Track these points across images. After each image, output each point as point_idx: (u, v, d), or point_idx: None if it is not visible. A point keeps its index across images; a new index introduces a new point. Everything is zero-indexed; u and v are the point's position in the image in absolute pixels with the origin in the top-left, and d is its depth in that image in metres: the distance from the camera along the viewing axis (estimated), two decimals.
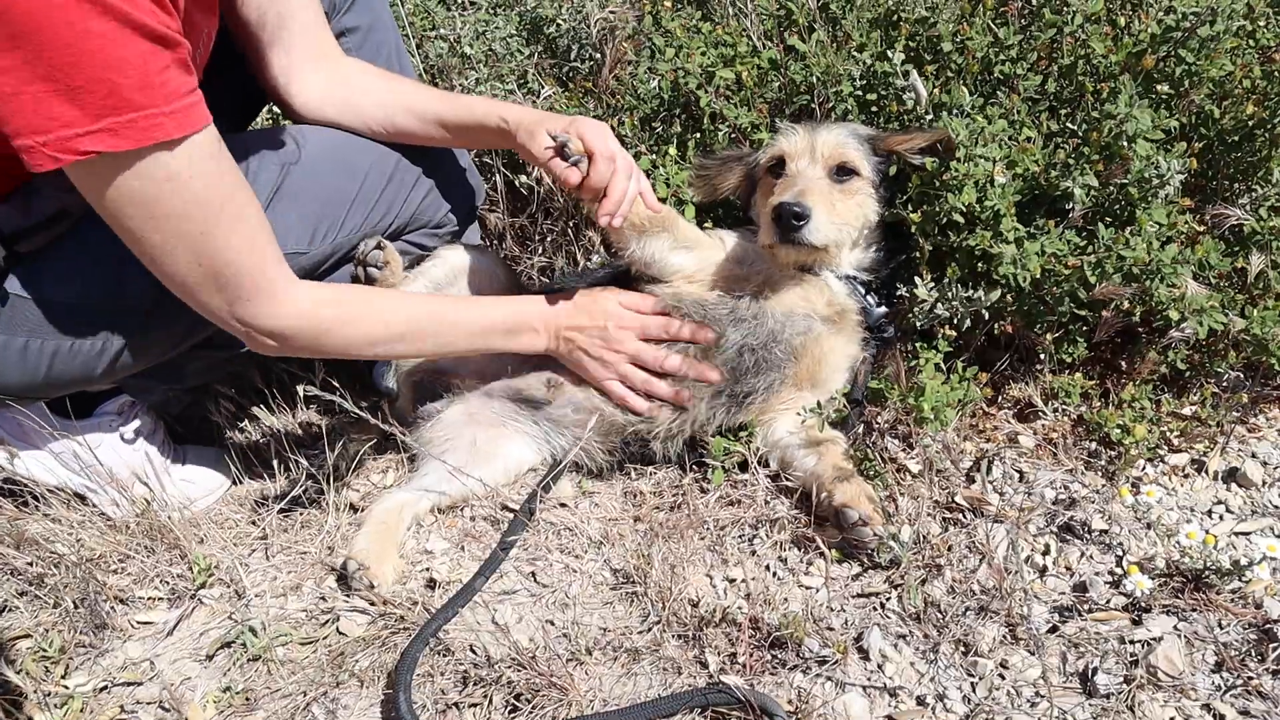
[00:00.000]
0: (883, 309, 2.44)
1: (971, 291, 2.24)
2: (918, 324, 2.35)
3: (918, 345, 2.33)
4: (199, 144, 1.76)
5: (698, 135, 2.75)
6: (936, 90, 2.40)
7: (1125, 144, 2.19)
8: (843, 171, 2.37)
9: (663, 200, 2.62)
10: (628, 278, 2.54)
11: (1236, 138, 2.36)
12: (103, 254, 2.08)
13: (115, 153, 1.66)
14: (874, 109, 2.57)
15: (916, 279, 2.32)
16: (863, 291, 2.43)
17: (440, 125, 2.44)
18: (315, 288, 2.11)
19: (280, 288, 1.99)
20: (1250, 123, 2.32)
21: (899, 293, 2.44)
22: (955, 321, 2.30)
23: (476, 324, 2.31)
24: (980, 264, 2.26)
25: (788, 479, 2.34)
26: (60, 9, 1.52)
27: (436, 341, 2.28)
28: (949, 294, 2.26)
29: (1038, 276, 2.19)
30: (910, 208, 2.35)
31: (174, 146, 1.71)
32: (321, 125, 2.44)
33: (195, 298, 1.95)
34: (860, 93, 2.57)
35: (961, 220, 2.23)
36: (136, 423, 2.45)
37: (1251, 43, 2.38)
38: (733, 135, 2.71)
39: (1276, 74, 2.27)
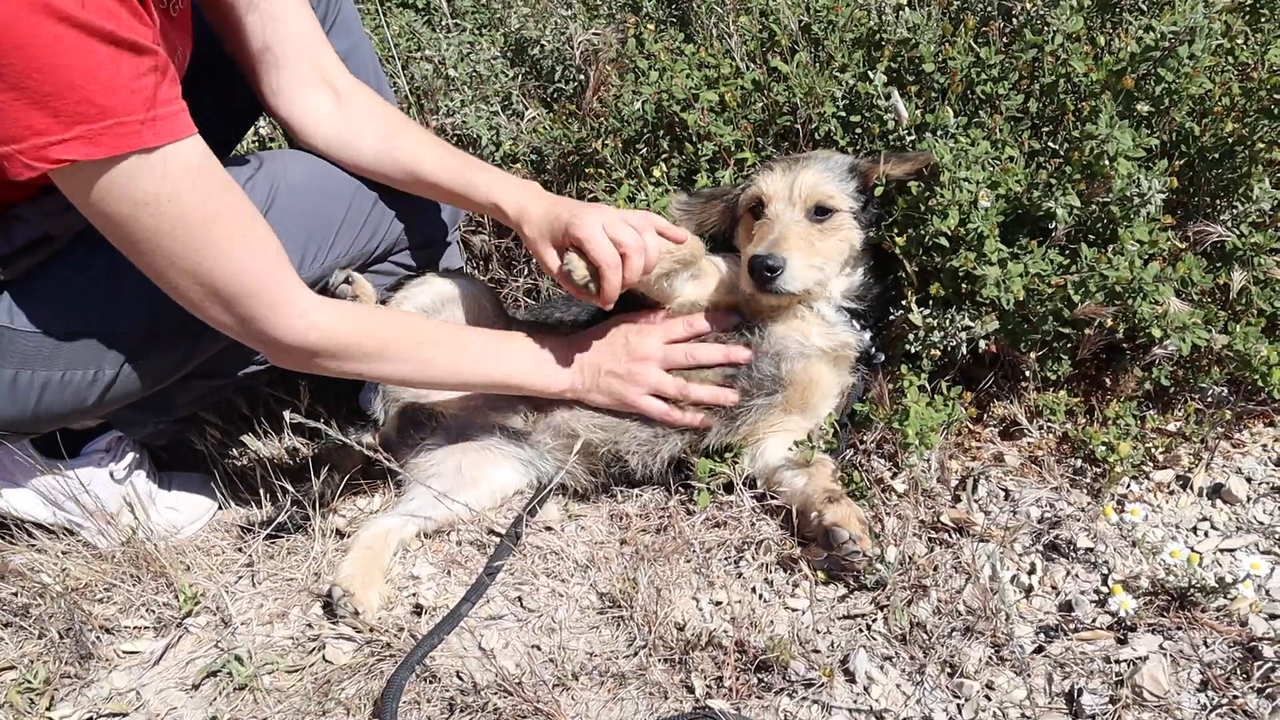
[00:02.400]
0: (868, 334, 2.44)
1: (968, 320, 2.25)
2: (911, 349, 2.35)
3: (901, 367, 2.33)
4: (181, 154, 1.72)
5: (681, 158, 2.75)
6: (919, 111, 2.41)
7: (1107, 163, 2.20)
8: (821, 211, 2.37)
9: None
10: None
11: (1217, 155, 2.37)
12: (92, 281, 2.08)
13: (91, 161, 1.64)
14: (857, 130, 2.58)
15: (912, 305, 2.32)
16: (848, 317, 2.44)
17: (434, 189, 2.45)
18: (335, 303, 2.09)
19: (291, 300, 1.95)
20: (1230, 140, 2.33)
21: (890, 316, 2.44)
22: (949, 349, 2.31)
23: (498, 364, 2.30)
24: (965, 284, 2.26)
25: (774, 496, 2.34)
26: (22, 20, 1.50)
27: (456, 357, 2.26)
28: (944, 322, 2.27)
29: (1021, 298, 2.19)
30: (896, 231, 2.35)
31: (153, 155, 1.68)
32: (310, 152, 2.43)
33: (203, 314, 1.94)
34: (844, 114, 2.58)
35: (946, 244, 2.24)
36: (126, 459, 2.44)
37: (1230, 60, 2.39)
38: (716, 152, 2.71)
39: (1255, 91, 2.28)
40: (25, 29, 1.51)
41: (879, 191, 2.35)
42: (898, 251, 2.34)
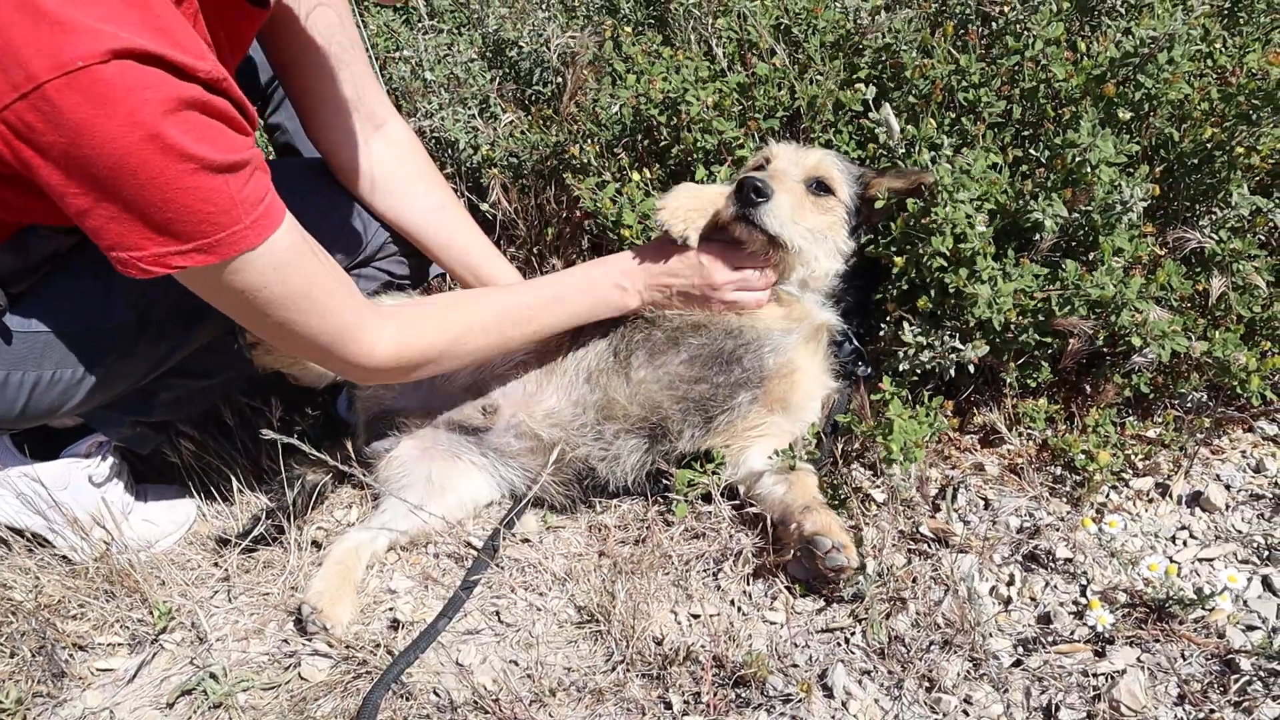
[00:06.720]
0: (853, 345, 2.43)
1: (958, 342, 2.23)
2: (902, 368, 2.34)
3: (884, 378, 2.30)
4: (279, 241, 1.82)
5: (670, 160, 2.73)
6: (908, 125, 2.39)
7: (1089, 171, 2.19)
8: (821, 187, 2.36)
9: (629, 228, 2.61)
10: None
11: (1196, 160, 2.36)
12: (88, 283, 2.11)
13: (205, 266, 1.75)
14: (846, 138, 2.56)
15: (904, 324, 2.31)
16: (830, 306, 2.44)
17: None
18: (394, 311, 2.17)
19: (368, 328, 2.05)
20: (1209, 145, 2.32)
21: (880, 331, 2.42)
22: (938, 371, 2.30)
23: (553, 302, 2.34)
24: (953, 300, 2.25)
25: (751, 502, 2.33)
26: (149, 161, 1.60)
27: (522, 331, 2.32)
28: (935, 343, 2.26)
29: (1013, 318, 2.18)
30: (894, 249, 2.33)
31: (258, 249, 1.79)
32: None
33: (308, 359, 2.21)
34: (834, 125, 2.57)
35: (945, 262, 2.22)
36: (107, 464, 2.42)
37: (1209, 64, 2.38)
38: (715, 147, 2.68)
39: (1234, 96, 2.27)
40: (152, 169, 1.61)
41: (879, 204, 2.34)
42: (895, 270, 2.32)
